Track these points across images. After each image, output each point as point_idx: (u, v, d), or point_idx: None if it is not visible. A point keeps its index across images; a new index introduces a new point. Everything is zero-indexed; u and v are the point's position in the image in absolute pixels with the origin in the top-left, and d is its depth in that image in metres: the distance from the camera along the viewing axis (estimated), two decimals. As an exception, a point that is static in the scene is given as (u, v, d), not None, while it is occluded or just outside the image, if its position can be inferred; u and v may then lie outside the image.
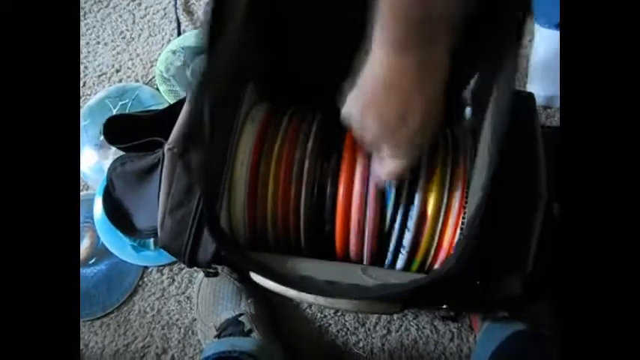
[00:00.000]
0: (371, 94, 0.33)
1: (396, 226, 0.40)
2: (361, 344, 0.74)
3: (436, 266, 0.42)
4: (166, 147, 0.48)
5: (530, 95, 0.50)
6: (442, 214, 0.41)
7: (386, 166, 0.39)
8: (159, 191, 0.49)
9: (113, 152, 0.80)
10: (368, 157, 0.42)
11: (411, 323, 0.75)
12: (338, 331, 0.75)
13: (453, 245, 0.41)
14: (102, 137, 0.71)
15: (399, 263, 0.42)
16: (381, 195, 0.41)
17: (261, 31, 0.45)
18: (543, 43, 0.81)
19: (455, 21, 0.31)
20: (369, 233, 0.42)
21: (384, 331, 0.75)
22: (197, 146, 0.37)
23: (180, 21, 0.89)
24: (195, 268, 0.52)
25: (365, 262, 0.44)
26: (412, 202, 0.40)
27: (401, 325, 0.75)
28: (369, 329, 0.75)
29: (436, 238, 0.41)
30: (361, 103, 0.34)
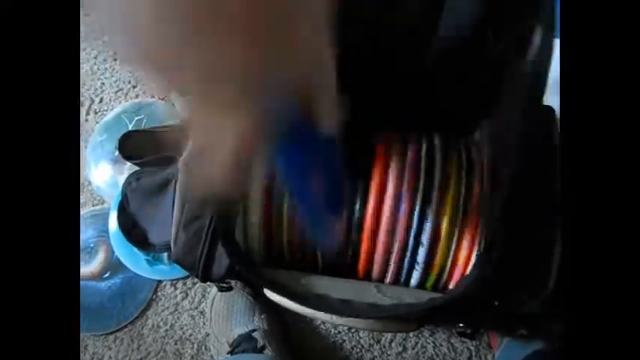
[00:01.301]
0: None
1: (411, 240, 0.39)
2: (376, 362, 0.73)
3: (451, 285, 0.41)
4: (181, 161, 0.48)
5: (550, 108, 0.49)
6: (457, 229, 0.40)
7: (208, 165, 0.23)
8: (173, 206, 0.49)
9: (128, 167, 0.80)
10: (400, 172, 0.40)
11: (428, 341, 0.73)
12: (352, 348, 0.74)
13: (470, 264, 0.40)
14: (117, 152, 0.72)
15: (414, 280, 0.41)
16: (411, 214, 0.40)
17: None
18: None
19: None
20: (396, 254, 0.41)
21: (400, 349, 0.73)
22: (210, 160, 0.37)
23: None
24: (209, 282, 0.52)
25: (388, 281, 0.43)
26: (426, 216, 0.40)
27: (417, 343, 0.73)
28: (384, 346, 0.74)
29: (451, 254, 0.40)
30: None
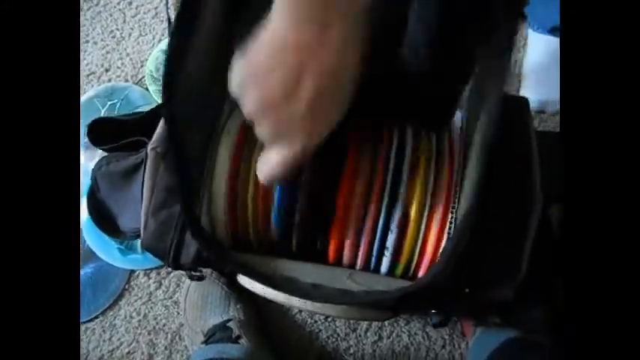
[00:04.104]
0: (256, 64, 0.30)
1: (380, 225, 0.39)
2: (352, 350, 0.73)
3: (420, 272, 0.41)
4: (149, 146, 0.47)
5: (524, 99, 0.49)
6: (425, 216, 0.40)
7: (267, 158, 0.34)
8: (142, 191, 0.48)
9: (100, 154, 0.78)
10: (371, 159, 0.40)
11: (403, 329, 0.73)
12: (328, 337, 0.74)
13: (439, 251, 0.40)
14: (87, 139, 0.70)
15: (383, 266, 0.41)
16: (380, 200, 0.40)
17: (243, 22, 0.43)
18: (537, 48, 0.81)
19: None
20: (365, 238, 0.40)
21: (376, 337, 0.73)
22: (175, 145, 0.36)
23: (172, 20, 0.88)
24: (181, 271, 0.51)
25: (359, 267, 0.42)
26: (395, 202, 0.39)
27: (392, 332, 0.73)
28: (360, 335, 0.74)
29: (419, 241, 0.40)
30: (245, 73, 0.31)
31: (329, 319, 0.74)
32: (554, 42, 0.79)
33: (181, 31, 0.35)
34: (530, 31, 0.81)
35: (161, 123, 0.48)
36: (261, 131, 0.33)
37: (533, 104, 0.80)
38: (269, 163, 0.34)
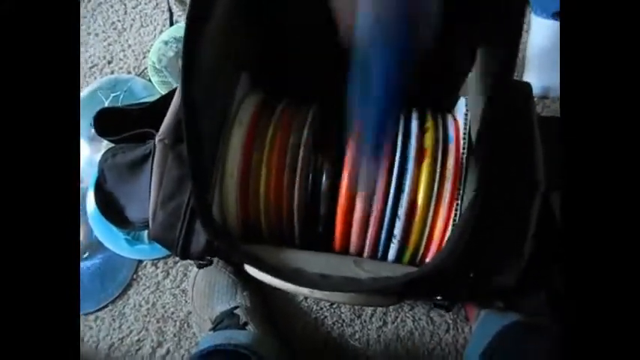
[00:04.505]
0: None
1: (387, 213, 0.40)
2: (357, 336, 0.74)
3: (428, 259, 0.42)
4: (157, 138, 0.48)
5: (527, 84, 0.49)
6: (433, 204, 0.40)
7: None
8: (150, 183, 0.48)
9: (105, 145, 0.78)
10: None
11: (407, 315, 0.74)
12: (334, 323, 0.75)
13: (445, 238, 0.40)
14: (93, 130, 0.71)
15: (391, 254, 0.42)
16: (388, 187, 0.40)
17: (253, 15, 0.43)
18: (539, 33, 0.81)
19: None
20: (372, 227, 0.41)
21: (380, 323, 0.75)
22: (185, 135, 0.37)
23: (173, 11, 0.88)
24: (189, 260, 0.51)
25: (366, 255, 0.43)
26: (402, 190, 0.40)
27: (397, 317, 0.75)
28: (364, 321, 0.75)
29: (427, 228, 0.40)
30: None
31: (334, 306, 0.75)
32: (557, 27, 0.78)
33: (198, 14, 0.35)
34: (533, 16, 0.81)
35: (168, 114, 0.49)
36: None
37: (536, 90, 0.80)
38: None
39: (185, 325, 0.76)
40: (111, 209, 0.58)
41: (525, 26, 0.83)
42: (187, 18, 0.36)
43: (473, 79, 0.46)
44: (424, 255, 0.42)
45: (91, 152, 0.81)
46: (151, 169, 0.48)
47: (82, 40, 0.88)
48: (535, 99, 0.62)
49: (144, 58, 0.86)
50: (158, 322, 0.77)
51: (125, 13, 0.89)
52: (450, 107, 0.47)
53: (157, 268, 0.78)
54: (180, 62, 0.83)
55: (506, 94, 0.32)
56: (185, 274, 0.78)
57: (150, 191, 0.48)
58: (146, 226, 0.51)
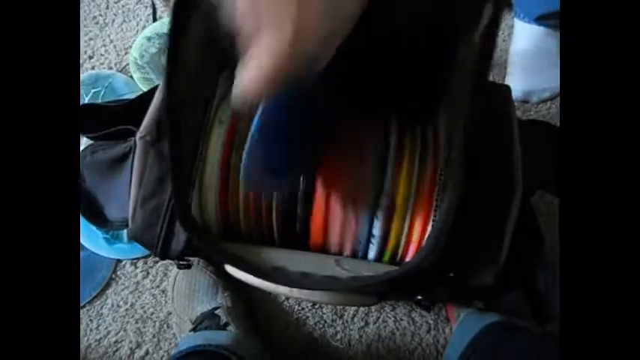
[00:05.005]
0: None
1: (366, 214, 0.40)
2: (339, 336, 0.74)
3: (407, 258, 0.42)
4: (138, 135, 0.47)
5: (506, 86, 0.50)
6: (411, 204, 0.40)
7: (249, 64, 0.27)
8: (130, 181, 0.48)
9: (85, 142, 0.77)
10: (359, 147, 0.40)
11: (389, 315, 0.75)
12: (315, 324, 0.75)
13: (425, 238, 0.40)
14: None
15: (371, 253, 0.42)
16: (367, 187, 0.40)
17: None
18: (522, 38, 0.82)
19: None
20: (351, 225, 0.41)
21: (362, 323, 0.75)
22: (168, 134, 0.36)
23: (156, 6, 0.87)
24: (168, 260, 0.51)
25: (346, 254, 0.43)
26: (381, 192, 0.40)
27: (378, 317, 0.75)
28: (346, 321, 0.75)
29: (405, 228, 0.41)
30: None
31: (316, 306, 0.75)
32: (539, 31, 0.80)
33: (183, 8, 0.35)
34: (516, 20, 0.82)
35: (150, 111, 0.48)
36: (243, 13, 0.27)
37: (517, 94, 0.81)
38: (250, 69, 0.27)
39: (165, 325, 0.75)
40: (89, 208, 0.57)
41: (508, 31, 0.84)
42: (171, 13, 0.35)
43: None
44: (404, 255, 0.42)
45: (69, 149, 0.80)
46: (132, 167, 0.47)
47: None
48: (516, 103, 0.63)
49: (125, 54, 0.85)
50: (137, 322, 0.75)
51: (107, 7, 0.88)
52: (430, 116, 0.48)
53: (136, 267, 0.77)
54: (163, 59, 0.82)
55: (485, 95, 0.33)
56: (165, 274, 0.77)
57: (130, 190, 0.48)
58: (126, 225, 0.50)
